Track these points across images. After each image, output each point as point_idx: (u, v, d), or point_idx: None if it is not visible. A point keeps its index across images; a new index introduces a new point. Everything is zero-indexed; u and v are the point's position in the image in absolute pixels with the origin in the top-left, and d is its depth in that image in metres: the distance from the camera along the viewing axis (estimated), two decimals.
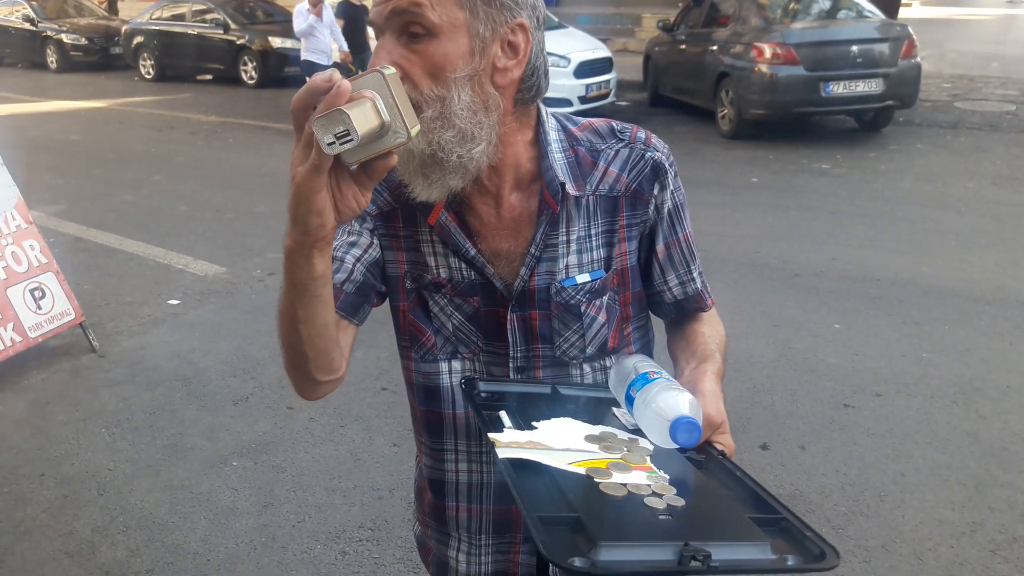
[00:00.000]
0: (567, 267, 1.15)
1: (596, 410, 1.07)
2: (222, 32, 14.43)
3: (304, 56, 9.50)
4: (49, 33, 17.12)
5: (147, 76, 15.57)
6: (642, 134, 1.18)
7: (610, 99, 10.25)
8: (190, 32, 14.92)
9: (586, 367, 1.21)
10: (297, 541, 2.81)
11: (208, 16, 14.82)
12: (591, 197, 1.14)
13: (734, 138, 8.76)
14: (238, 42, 14.23)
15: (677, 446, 0.93)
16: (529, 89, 1.06)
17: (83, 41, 16.99)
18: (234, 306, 4.89)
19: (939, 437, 3.29)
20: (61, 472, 3.24)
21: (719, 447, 0.99)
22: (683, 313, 1.27)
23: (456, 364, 1.21)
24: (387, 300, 1.23)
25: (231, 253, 5.77)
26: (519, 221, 1.13)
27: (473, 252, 1.12)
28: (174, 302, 5.00)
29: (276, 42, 13.90)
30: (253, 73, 14.16)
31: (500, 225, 1.13)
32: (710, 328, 1.24)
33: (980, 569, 2.59)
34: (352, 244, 1.16)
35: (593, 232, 1.15)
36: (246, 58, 14.18)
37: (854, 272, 5.02)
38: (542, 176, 1.10)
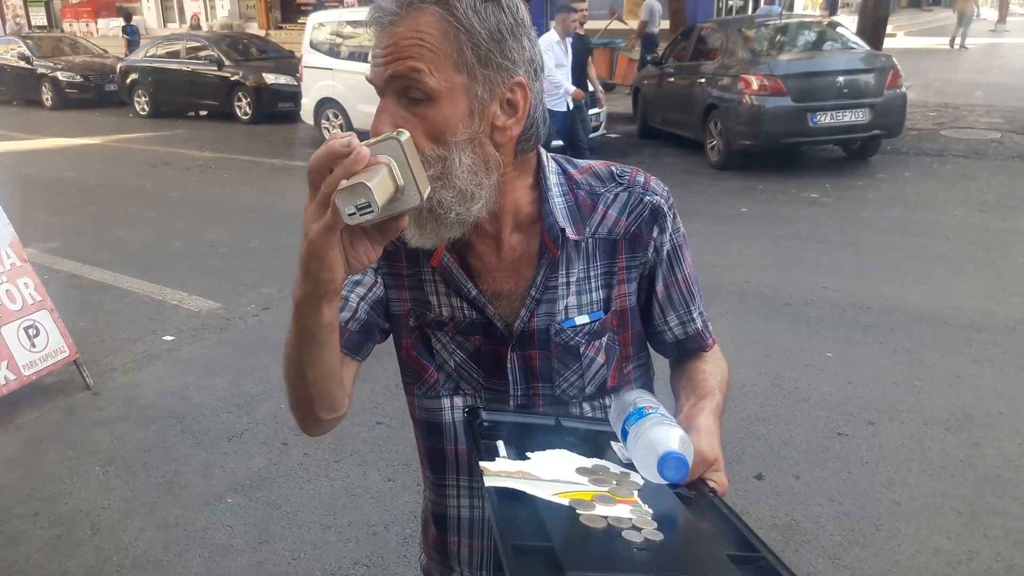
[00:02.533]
0: (567, 308, 1.17)
1: (595, 443, 1.09)
2: (216, 69, 14.55)
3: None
4: (44, 71, 17.26)
5: (142, 113, 15.68)
6: (641, 177, 1.20)
7: (600, 131, 10.34)
8: (184, 69, 15.05)
9: (585, 406, 1.23)
10: None
11: (202, 53, 14.97)
12: (590, 240, 1.17)
13: (723, 169, 8.85)
14: (232, 78, 14.35)
15: (665, 482, 0.94)
16: (528, 140, 1.08)
17: (78, 78, 17.11)
18: (228, 341, 4.89)
19: (933, 465, 3.31)
20: (55, 511, 3.23)
21: (711, 484, 0.99)
22: (684, 352, 1.30)
23: (458, 400, 1.23)
24: (390, 336, 1.26)
25: (225, 288, 5.78)
26: (519, 263, 1.16)
27: (474, 293, 1.15)
28: (168, 338, 5.00)
29: (270, 78, 14.02)
30: (247, 109, 14.26)
31: (501, 266, 1.16)
32: (712, 365, 1.26)
33: None
34: (356, 283, 1.19)
35: (592, 274, 1.18)
36: (240, 94, 14.29)
37: (844, 300, 5.06)
38: (543, 220, 1.13)
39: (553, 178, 1.16)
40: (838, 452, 3.43)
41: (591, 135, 10.02)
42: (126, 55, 17.72)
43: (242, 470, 3.47)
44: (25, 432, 3.89)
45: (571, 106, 7.92)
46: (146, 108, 15.60)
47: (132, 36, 20.65)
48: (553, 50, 7.58)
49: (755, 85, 8.26)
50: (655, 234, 1.19)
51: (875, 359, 4.27)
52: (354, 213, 0.82)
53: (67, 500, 3.30)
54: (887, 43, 12.32)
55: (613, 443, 1.08)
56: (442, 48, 0.98)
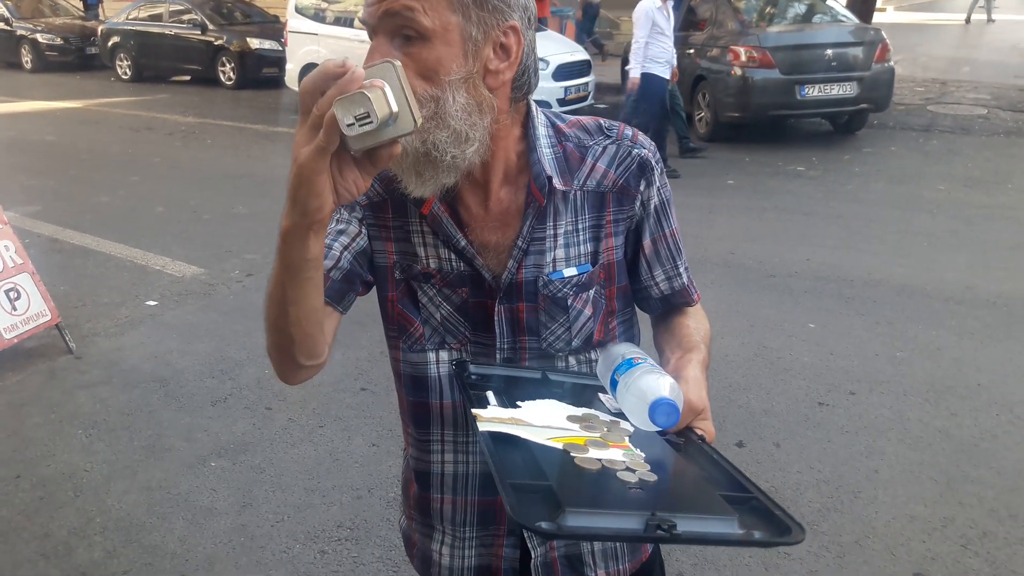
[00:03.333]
0: (554, 260, 1.17)
1: (583, 394, 1.11)
2: (200, 33, 14.35)
3: (641, 69, 7.41)
4: (23, 32, 16.95)
5: (124, 76, 15.46)
6: (629, 131, 1.21)
7: (589, 101, 10.30)
8: (167, 33, 14.83)
9: (571, 360, 1.23)
10: (276, 541, 2.81)
11: (186, 17, 14.74)
12: (578, 192, 1.17)
13: (710, 140, 8.84)
14: (216, 43, 14.17)
15: (656, 428, 0.96)
16: (521, 88, 1.08)
17: (58, 41, 16.84)
18: (212, 307, 4.87)
19: (911, 434, 3.35)
20: (37, 474, 3.22)
21: (699, 432, 1.01)
22: (669, 308, 1.30)
23: (444, 354, 1.23)
24: (373, 290, 1.25)
25: (209, 254, 5.75)
26: (507, 214, 1.15)
27: (463, 243, 1.14)
28: (151, 303, 4.97)
29: (254, 43, 13.85)
30: (231, 74, 14.09)
31: (488, 217, 1.15)
32: (695, 321, 1.28)
33: (951, 564, 2.64)
34: (340, 232, 1.18)
35: (580, 227, 1.18)
36: (224, 59, 14.11)
37: (828, 272, 5.09)
38: (530, 169, 1.13)
39: (542, 129, 1.16)
40: (819, 421, 3.47)
41: (579, 105, 10.01)
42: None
43: (226, 434, 3.47)
44: (7, 395, 3.87)
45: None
46: (128, 72, 15.38)
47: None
48: (654, 16, 7.23)
49: (744, 57, 8.23)
50: (643, 187, 1.19)
51: (857, 331, 4.31)
52: (352, 124, 0.81)
53: (49, 463, 3.30)
54: (877, 17, 12.28)
55: (601, 395, 1.10)
56: None
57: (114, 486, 3.13)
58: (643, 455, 0.92)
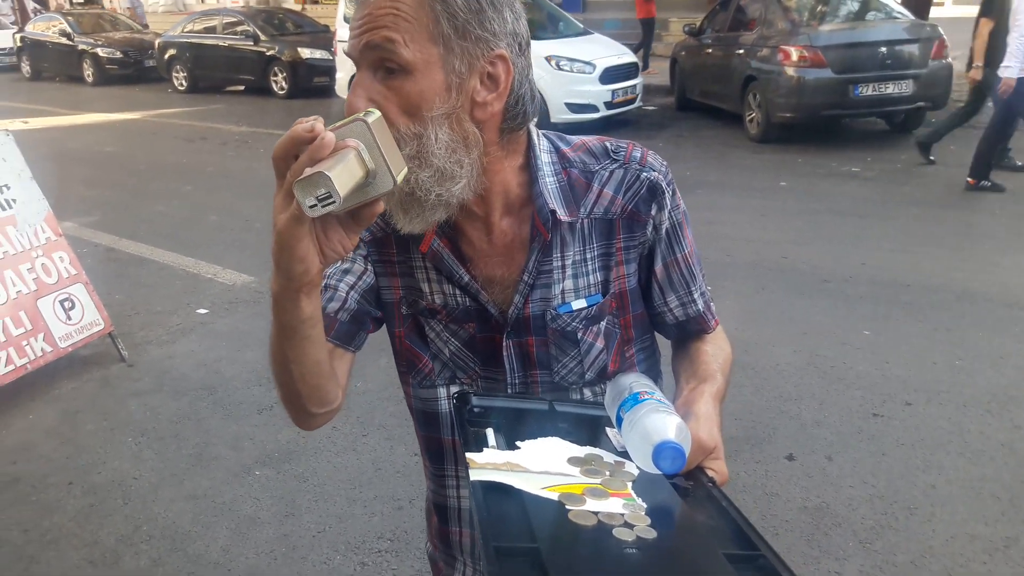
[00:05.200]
0: (563, 292, 1.13)
1: (590, 429, 1.04)
2: (252, 44, 14.62)
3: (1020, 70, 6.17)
4: (85, 47, 17.47)
5: (180, 88, 15.82)
6: (637, 152, 1.14)
7: (636, 104, 10.22)
8: (221, 44, 15.14)
9: (586, 391, 1.19)
10: (317, 552, 2.81)
11: (239, 28, 15.03)
12: (585, 220, 1.11)
13: (762, 142, 8.69)
14: (268, 53, 14.40)
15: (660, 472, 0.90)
16: (514, 118, 1.03)
17: (118, 54, 17.31)
18: (262, 315, 4.92)
19: (972, 448, 3.21)
20: (88, 481, 3.28)
21: (710, 473, 0.95)
22: (685, 334, 1.25)
23: (454, 390, 1.19)
24: (383, 325, 1.23)
25: (260, 262, 5.81)
26: (511, 247, 1.11)
27: (467, 279, 1.10)
28: (203, 311, 5.05)
29: (305, 53, 14.04)
30: (283, 83, 14.32)
31: (492, 251, 1.11)
32: (714, 347, 1.21)
33: None
34: (346, 271, 1.15)
35: (589, 256, 1.13)
36: (276, 69, 14.34)
37: (884, 277, 4.94)
38: (533, 202, 1.08)
39: (544, 157, 1.11)
40: (873, 433, 3.35)
41: (626, 108, 9.92)
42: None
43: (271, 443, 3.49)
44: (62, 403, 3.96)
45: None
46: (184, 83, 15.73)
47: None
48: None
49: (795, 56, 8.06)
50: (653, 212, 1.13)
51: (914, 338, 4.16)
52: (315, 205, 0.77)
53: (100, 470, 3.35)
54: (934, 12, 11.93)
55: (609, 429, 1.03)
56: (417, 18, 0.93)
57: (161, 494, 3.17)
58: (644, 505, 0.86)
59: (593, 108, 9.55)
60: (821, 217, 6.26)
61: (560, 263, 1.11)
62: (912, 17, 8.83)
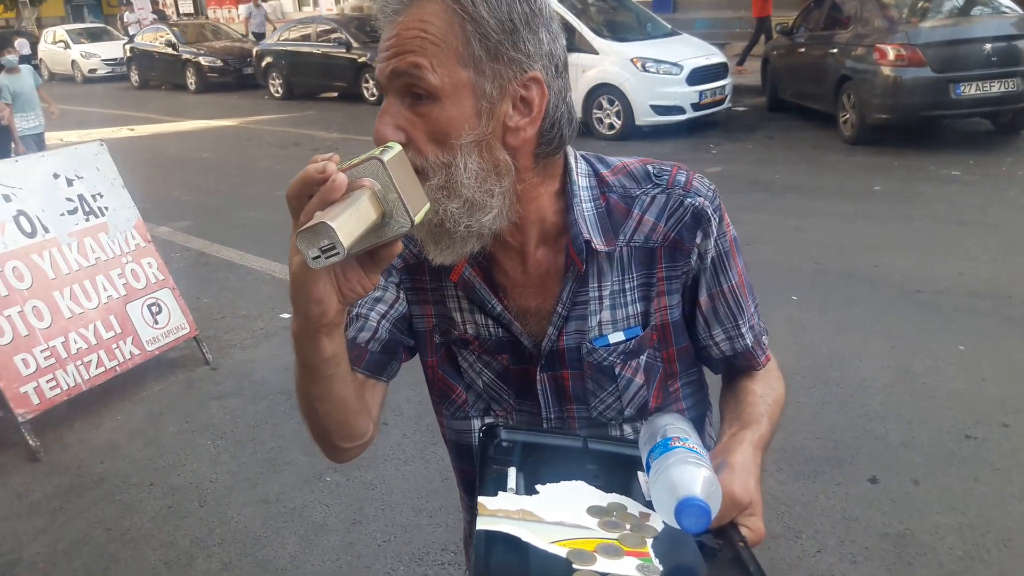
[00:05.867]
0: (600, 324, 1.07)
1: (622, 472, 0.98)
2: (345, 51, 14.91)
3: None
4: (188, 56, 18.20)
5: (276, 94, 16.28)
6: (682, 176, 1.07)
7: (726, 105, 9.99)
8: (315, 52, 15.49)
9: (626, 427, 1.13)
10: (381, 561, 2.82)
11: (332, 36, 15.37)
12: (624, 248, 1.06)
13: (856, 144, 8.34)
14: (360, 60, 14.66)
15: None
16: (550, 142, 0.99)
17: (219, 63, 17.96)
18: None
19: None
20: (168, 482, 3.38)
21: (744, 531, 0.88)
22: (734, 370, 1.17)
23: (489, 421, 1.16)
24: (417, 354, 1.20)
25: None
26: (546, 277, 1.06)
27: (499, 309, 1.07)
28: (286, 316, 5.15)
29: None
30: (374, 90, 14.54)
31: (527, 281, 1.07)
32: (764, 386, 1.14)
33: None
34: (377, 300, 1.13)
35: (628, 286, 1.07)
36: (367, 75, 14.57)
37: (983, 288, 4.66)
38: (568, 230, 1.03)
39: (582, 181, 1.06)
40: (965, 456, 3.16)
41: (715, 109, 9.70)
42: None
43: None
44: (148, 404, 4.11)
45: None
46: (280, 90, 16.18)
47: None
48: None
49: (891, 55, 7.71)
50: (698, 240, 1.06)
51: (1014, 353, 3.91)
52: (319, 256, 0.74)
53: (180, 472, 3.46)
54: None
55: (641, 473, 0.97)
56: (446, 40, 0.89)
57: (235, 497, 3.24)
58: (660, 569, 0.80)
59: (679, 110, 9.38)
60: (916, 224, 5.96)
61: (597, 293, 1.06)
62: (1020, 11, 8.33)
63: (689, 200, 1.06)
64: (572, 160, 1.06)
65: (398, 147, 0.84)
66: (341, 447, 1.07)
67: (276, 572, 2.80)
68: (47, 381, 3.71)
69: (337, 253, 0.73)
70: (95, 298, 4.06)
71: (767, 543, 2.84)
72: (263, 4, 21.87)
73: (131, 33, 21.67)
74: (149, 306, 4.27)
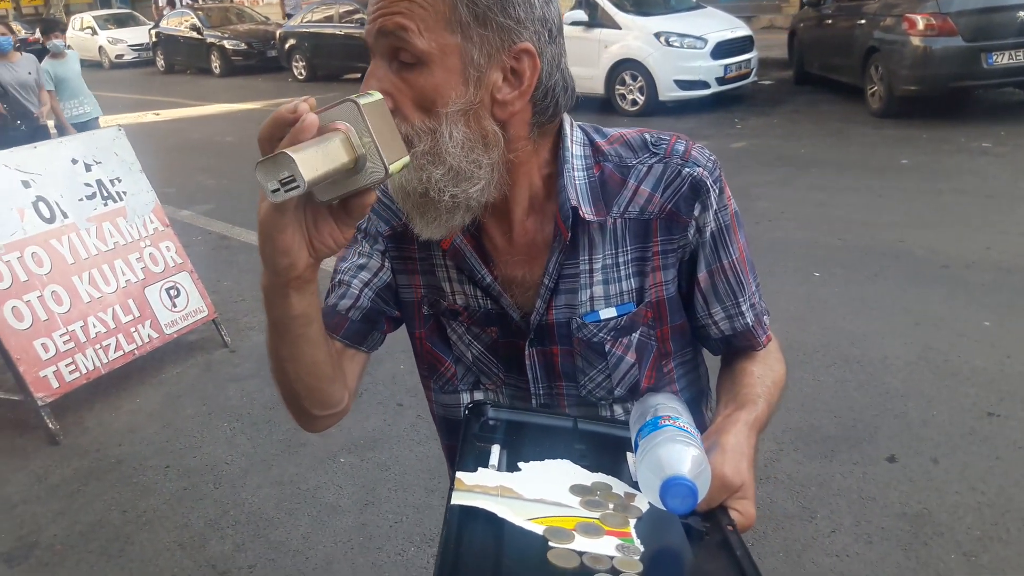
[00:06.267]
0: (591, 299, 1.04)
1: (612, 453, 0.95)
2: None
3: None
4: (213, 40, 18.29)
5: (299, 77, 16.29)
6: (680, 146, 1.03)
7: (751, 79, 9.84)
8: (338, 33, 15.47)
9: (617, 408, 1.10)
10: (393, 542, 2.82)
11: (355, 16, 15.31)
12: (618, 220, 1.02)
13: (884, 116, 8.16)
14: None
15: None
16: (544, 111, 0.96)
17: (243, 46, 18.03)
18: None
19: None
20: (184, 464, 3.41)
21: (733, 515, 0.84)
22: (732, 350, 1.13)
23: (479, 395, 1.13)
24: (403, 326, 1.18)
25: None
26: (533, 247, 1.03)
27: (489, 279, 1.04)
28: None
29: None
30: None
31: (514, 250, 1.04)
32: (762, 367, 1.09)
33: None
34: (361, 267, 1.10)
35: (622, 260, 1.03)
36: None
37: (1011, 263, 4.55)
38: (556, 197, 1.00)
39: (576, 149, 1.02)
40: (986, 434, 3.09)
41: (740, 83, 9.55)
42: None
43: (357, 430, 3.53)
44: (167, 387, 4.15)
45: None
46: (303, 72, 16.19)
47: None
48: None
49: (921, 25, 7.51)
50: (696, 212, 1.02)
51: None
52: (278, 189, 0.70)
53: (196, 454, 3.49)
54: None
55: (630, 454, 0.93)
56: (433, 4, 0.86)
57: (250, 479, 3.26)
58: (642, 549, 0.77)
59: (704, 84, 9.25)
60: (944, 197, 5.82)
61: (587, 267, 1.03)
62: None
63: (687, 170, 1.01)
64: (568, 128, 1.03)
65: (378, 95, 0.81)
66: (312, 413, 1.05)
67: (288, 553, 2.82)
68: (66, 365, 3.75)
69: (297, 186, 0.70)
70: (113, 282, 4.09)
71: (781, 522, 2.81)
72: None
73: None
74: (167, 289, 4.29)
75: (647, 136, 1.05)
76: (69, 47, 7.67)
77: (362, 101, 0.77)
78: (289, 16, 20.35)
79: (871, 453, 3.06)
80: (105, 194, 4.22)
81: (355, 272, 1.10)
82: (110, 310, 4.02)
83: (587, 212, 1.00)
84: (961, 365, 3.59)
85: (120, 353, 3.99)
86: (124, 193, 4.31)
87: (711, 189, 1.02)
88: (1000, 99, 8.54)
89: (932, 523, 2.67)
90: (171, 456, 3.49)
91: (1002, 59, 7.34)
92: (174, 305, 4.30)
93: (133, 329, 4.08)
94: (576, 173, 1.01)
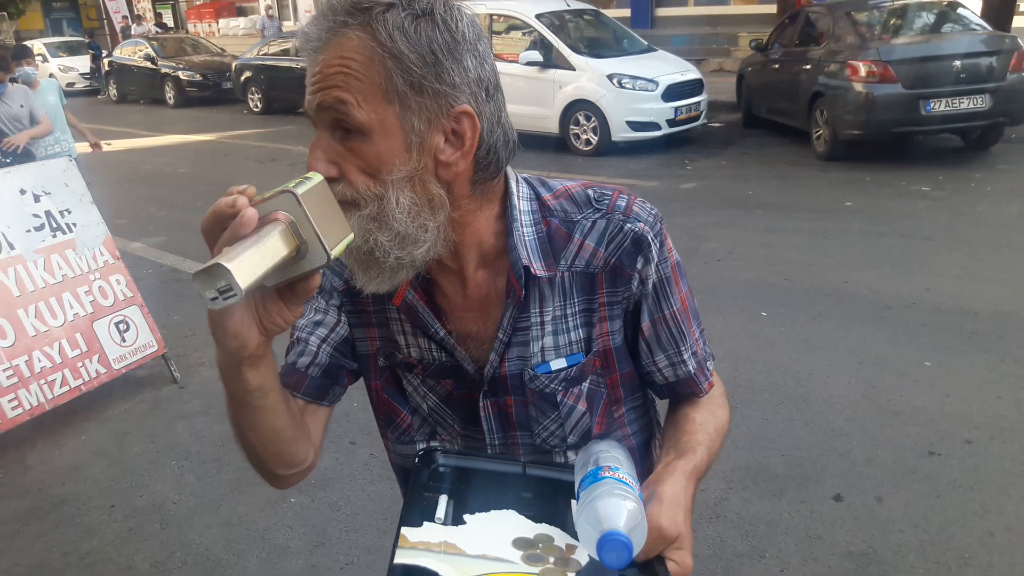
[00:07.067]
0: (543, 350, 1.07)
1: (555, 500, 0.98)
2: None
3: None
4: (167, 71, 18.12)
5: (255, 109, 16.22)
6: (622, 201, 1.07)
7: (700, 121, 10.05)
8: (295, 67, 15.44)
9: (570, 454, 1.13)
10: None
11: None
12: (566, 274, 1.05)
13: (829, 160, 8.43)
14: None
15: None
16: (486, 168, 0.98)
17: (198, 77, 17.87)
18: None
19: None
20: (130, 504, 3.34)
21: (670, 565, 0.87)
22: (677, 396, 1.17)
23: (436, 445, 1.16)
24: (360, 378, 1.19)
25: None
26: (487, 301, 1.06)
27: (442, 333, 1.06)
28: None
29: None
30: None
31: (468, 305, 1.06)
32: (705, 414, 1.13)
33: None
34: (318, 323, 1.12)
35: (570, 312, 1.07)
36: None
37: (949, 304, 4.71)
38: (508, 255, 1.03)
39: (523, 205, 1.05)
40: (927, 473, 3.18)
41: (690, 125, 9.77)
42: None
43: None
44: (113, 424, 4.06)
45: None
46: (259, 105, 16.13)
47: (96, 51, 22.14)
48: None
49: (863, 72, 7.80)
50: (639, 265, 1.06)
51: (979, 370, 3.94)
52: (216, 298, 0.72)
53: (142, 493, 3.42)
54: (1018, 22, 11.42)
55: (574, 502, 0.96)
56: (368, 76, 0.89)
57: (198, 519, 3.21)
58: None
59: (655, 126, 9.43)
60: (886, 239, 6.02)
61: (539, 319, 1.06)
62: (990, 29, 8.47)
63: (629, 225, 1.05)
64: (513, 184, 1.05)
65: (319, 177, 0.83)
66: (279, 474, 1.06)
67: None
68: (9, 401, 3.67)
69: (235, 295, 0.71)
70: (61, 316, 4.02)
71: (731, 561, 2.85)
72: (276, 16, 22.05)
73: None
74: (117, 324, 4.22)
75: (590, 192, 1.09)
76: (51, 75, 7.08)
77: (300, 190, 0.79)
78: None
79: (818, 492, 3.13)
80: (54, 225, 4.16)
81: (312, 328, 1.12)
82: (56, 344, 3.94)
83: (538, 268, 1.03)
84: (903, 405, 3.69)
85: (66, 388, 3.90)
86: (74, 225, 4.24)
87: (652, 243, 1.06)
88: (938, 144, 8.87)
89: (877, 561, 2.73)
90: (116, 495, 3.41)
91: (939, 106, 7.64)
92: (123, 340, 4.23)
93: (80, 364, 4.00)
94: (525, 229, 1.04)
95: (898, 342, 4.32)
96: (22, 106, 6.07)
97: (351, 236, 0.84)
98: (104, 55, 21.17)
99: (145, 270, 6.29)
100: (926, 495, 3.05)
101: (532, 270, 1.02)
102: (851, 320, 4.64)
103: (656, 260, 1.06)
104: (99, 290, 4.24)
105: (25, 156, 5.88)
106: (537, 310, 1.05)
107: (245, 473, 3.41)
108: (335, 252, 0.80)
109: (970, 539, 2.80)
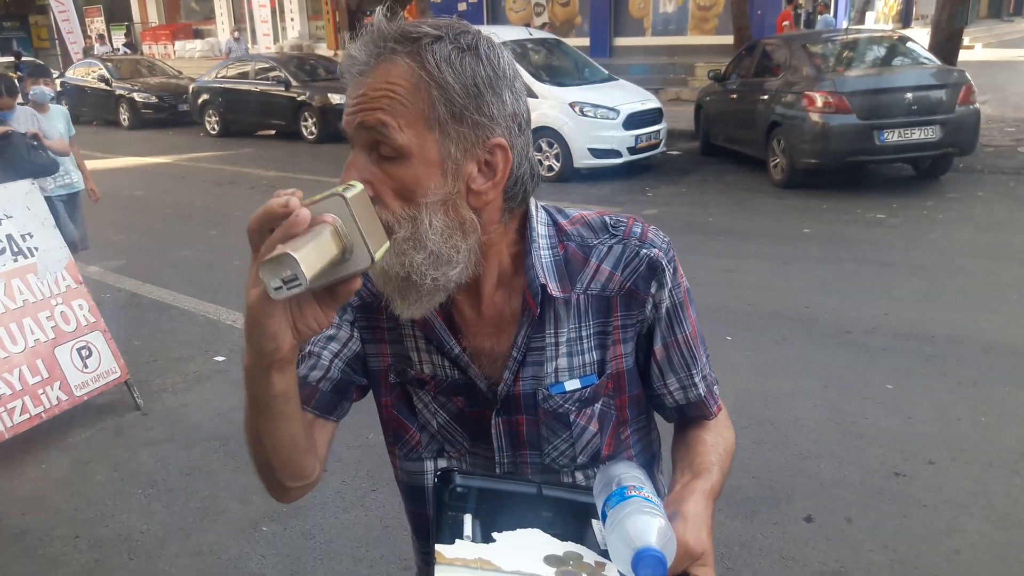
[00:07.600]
0: (556, 371, 1.09)
1: (577, 520, 1.00)
2: (284, 89, 14.85)
3: None
4: (122, 92, 17.88)
5: (212, 132, 16.10)
6: (638, 228, 1.11)
7: (660, 149, 10.22)
8: (254, 90, 15.39)
9: (578, 475, 1.15)
10: None
11: (271, 74, 15.30)
12: (581, 296, 1.08)
13: (786, 188, 8.63)
14: (299, 99, 14.63)
15: None
16: (514, 198, 1.02)
17: (153, 99, 17.69)
18: None
19: (998, 511, 3.10)
20: (95, 534, 3.26)
21: None
22: (686, 419, 1.20)
23: (442, 463, 1.16)
24: (369, 393, 1.20)
25: None
26: (502, 320, 1.08)
27: (457, 350, 1.08)
28: (220, 359, 5.06)
29: (335, 99, 14.17)
30: (313, 128, 14.51)
31: (482, 323, 1.09)
32: (714, 435, 1.16)
33: None
34: (330, 338, 1.13)
35: (584, 334, 1.09)
36: (306, 114, 14.55)
37: (908, 328, 4.84)
38: (524, 275, 1.06)
39: (541, 229, 1.08)
40: (894, 494, 3.25)
41: (650, 153, 9.92)
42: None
43: None
44: (75, 452, 3.96)
45: None
46: (216, 127, 16.01)
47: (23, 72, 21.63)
48: None
49: (819, 102, 8.03)
50: (653, 290, 1.09)
51: (938, 392, 4.05)
52: (280, 287, 0.74)
53: (108, 523, 3.34)
54: (963, 56, 11.87)
55: (595, 522, 0.98)
56: (412, 103, 0.91)
57: (167, 549, 3.14)
58: None
59: (616, 153, 9.57)
60: (845, 265, 6.16)
61: (553, 340, 1.08)
62: (939, 63, 8.78)
63: (644, 251, 1.09)
64: (533, 209, 1.08)
65: (360, 186, 0.85)
66: (286, 486, 1.06)
67: None
68: None
69: (299, 284, 0.73)
70: (21, 342, 3.93)
71: None
72: (242, 39, 21.94)
73: None
74: (79, 350, 4.14)
75: (606, 219, 1.13)
76: (62, 100, 6.06)
77: (348, 194, 0.81)
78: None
79: (789, 513, 3.18)
80: (15, 249, 4.07)
81: (325, 343, 1.13)
82: (16, 371, 3.84)
83: (554, 289, 1.06)
84: (868, 427, 3.77)
85: (26, 416, 3.80)
86: (36, 249, 4.16)
87: (666, 268, 1.10)
88: (892, 173, 9.13)
89: None
90: (80, 526, 3.32)
91: (892, 136, 7.88)
92: (86, 366, 4.14)
93: (41, 391, 3.90)
94: (543, 252, 1.07)
95: (860, 366, 4.41)
96: (24, 133, 5.23)
97: (388, 243, 0.87)
98: (55, 76, 20.81)
99: (104, 294, 6.17)
100: (894, 515, 3.12)
101: (548, 289, 1.05)
102: (814, 344, 4.74)
103: (670, 285, 1.10)
104: (61, 315, 4.15)
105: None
106: (552, 331, 1.08)
107: (215, 501, 3.38)
108: (377, 256, 0.82)
109: (937, 557, 2.87)
